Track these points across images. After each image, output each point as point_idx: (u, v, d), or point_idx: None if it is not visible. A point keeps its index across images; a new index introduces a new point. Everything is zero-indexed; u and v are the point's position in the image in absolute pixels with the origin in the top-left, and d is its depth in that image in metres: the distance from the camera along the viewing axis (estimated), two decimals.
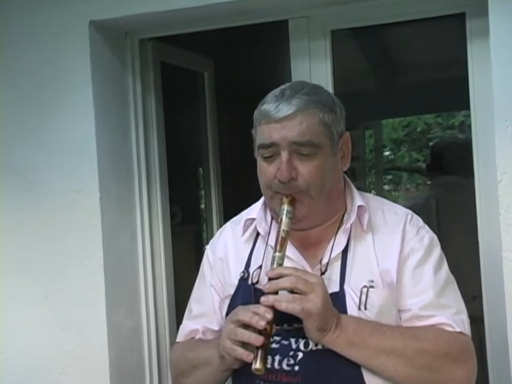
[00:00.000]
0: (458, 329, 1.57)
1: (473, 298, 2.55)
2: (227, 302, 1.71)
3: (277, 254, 1.55)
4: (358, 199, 1.68)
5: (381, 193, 6.13)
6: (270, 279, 1.52)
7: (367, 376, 1.54)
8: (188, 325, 1.82)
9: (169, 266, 2.92)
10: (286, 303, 1.46)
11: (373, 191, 6.17)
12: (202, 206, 3.80)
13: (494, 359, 2.32)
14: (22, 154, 2.61)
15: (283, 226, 1.57)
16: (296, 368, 1.54)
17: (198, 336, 1.79)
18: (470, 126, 2.44)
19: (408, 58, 4.67)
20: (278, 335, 1.58)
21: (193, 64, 3.42)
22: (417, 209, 3.49)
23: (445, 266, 1.67)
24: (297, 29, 2.61)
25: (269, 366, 1.54)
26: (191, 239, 3.81)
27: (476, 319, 2.56)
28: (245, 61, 4.09)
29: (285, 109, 1.55)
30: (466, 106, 2.43)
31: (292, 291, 1.49)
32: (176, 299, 2.90)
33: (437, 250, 1.67)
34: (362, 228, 1.66)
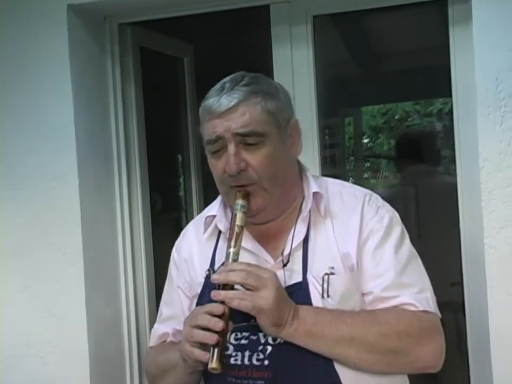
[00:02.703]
0: (421, 308, 1.55)
1: (452, 285, 2.57)
2: (195, 301, 1.70)
3: (231, 249, 1.53)
4: (313, 185, 1.67)
5: (360, 181, 6.13)
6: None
7: (338, 367, 1.53)
8: (159, 329, 1.83)
9: (149, 253, 2.90)
10: (237, 300, 1.45)
11: (351, 178, 6.17)
12: (181, 194, 3.77)
13: (475, 346, 2.34)
14: None
15: (237, 222, 1.56)
16: (266, 362, 1.53)
17: (169, 339, 1.79)
18: (448, 113, 2.45)
19: (390, 45, 4.66)
20: (246, 331, 1.57)
21: (172, 49, 3.40)
22: (396, 197, 3.55)
23: (407, 244, 1.65)
24: (278, 14, 2.59)
25: (239, 362, 1.54)
26: (171, 227, 3.78)
27: (455, 306, 2.59)
28: (226, 47, 4.06)
29: (226, 102, 1.55)
30: (447, 94, 2.43)
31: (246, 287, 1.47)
32: (156, 287, 2.88)
33: (398, 229, 1.65)
34: (320, 214, 1.65)
